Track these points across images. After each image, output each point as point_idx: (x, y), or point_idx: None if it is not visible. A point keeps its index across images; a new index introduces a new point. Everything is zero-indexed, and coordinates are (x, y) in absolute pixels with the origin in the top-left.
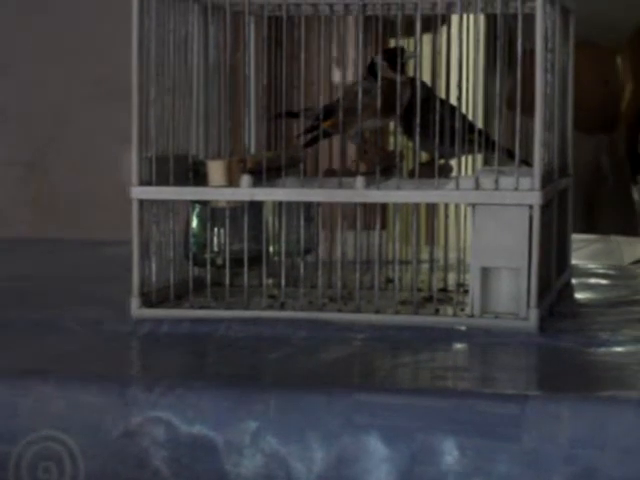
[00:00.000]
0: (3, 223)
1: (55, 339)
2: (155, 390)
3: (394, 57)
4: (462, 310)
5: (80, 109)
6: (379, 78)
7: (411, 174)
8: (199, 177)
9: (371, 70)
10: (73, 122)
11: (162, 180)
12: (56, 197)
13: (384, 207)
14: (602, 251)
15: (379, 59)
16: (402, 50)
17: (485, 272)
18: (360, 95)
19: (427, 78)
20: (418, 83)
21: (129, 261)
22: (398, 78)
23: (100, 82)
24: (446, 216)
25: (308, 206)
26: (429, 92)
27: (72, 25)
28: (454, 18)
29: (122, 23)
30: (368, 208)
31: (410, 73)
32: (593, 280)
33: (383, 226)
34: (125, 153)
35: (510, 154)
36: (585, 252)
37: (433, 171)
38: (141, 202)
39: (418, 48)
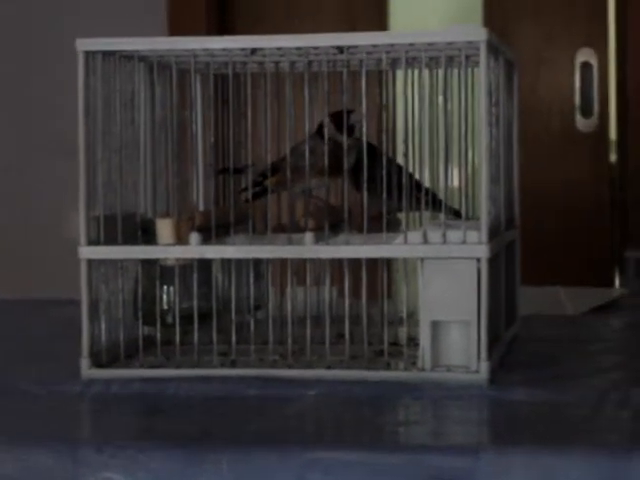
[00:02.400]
0: None
1: (4, 400)
2: (106, 451)
3: (341, 119)
4: (413, 364)
5: (27, 165)
6: (326, 139)
7: (359, 229)
8: (148, 235)
9: (319, 131)
10: (20, 179)
11: (110, 239)
12: (3, 254)
13: (334, 262)
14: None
15: (326, 120)
16: (350, 112)
17: (435, 325)
18: (307, 154)
19: (374, 134)
20: (364, 137)
21: (77, 320)
22: (344, 140)
23: (48, 138)
24: (395, 270)
25: (258, 262)
26: (376, 151)
27: (21, 81)
28: (399, 74)
29: (71, 80)
30: (318, 263)
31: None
32: (542, 331)
33: (333, 281)
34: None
35: (456, 213)
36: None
37: (381, 225)
38: (89, 262)
39: (364, 103)
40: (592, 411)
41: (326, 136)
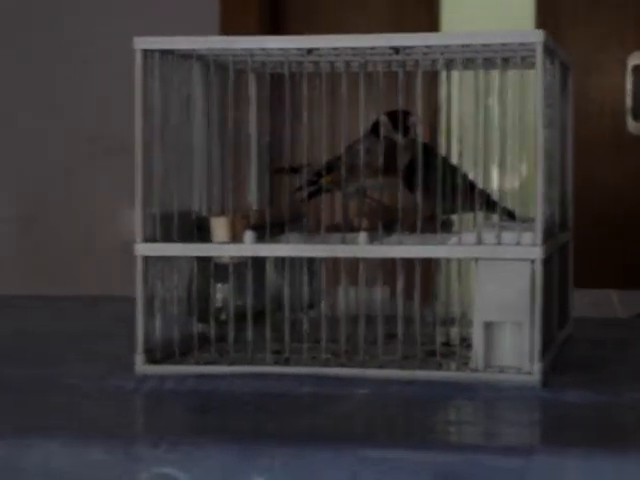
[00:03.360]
0: (1, 279)
1: (59, 396)
2: (161, 447)
3: (398, 118)
4: (465, 364)
5: (79, 164)
6: (381, 137)
7: (412, 229)
8: (203, 233)
9: (375, 129)
10: (72, 177)
11: (166, 237)
12: (53, 253)
13: (387, 262)
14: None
15: (383, 118)
16: (406, 113)
17: (488, 326)
18: (362, 154)
19: (428, 134)
20: (419, 138)
21: (131, 317)
22: (400, 139)
23: (99, 138)
24: (448, 271)
25: (311, 261)
26: (430, 151)
27: (73, 79)
28: (454, 74)
29: (122, 79)
30: (371, 263)
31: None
32: (594, 334)
33: (385, 281)
34: (123, 209)
35: (510, 214)
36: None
37: (435, 227)
38: (145, 258)
39: (419, 104)
40: None
41: (382, 133)
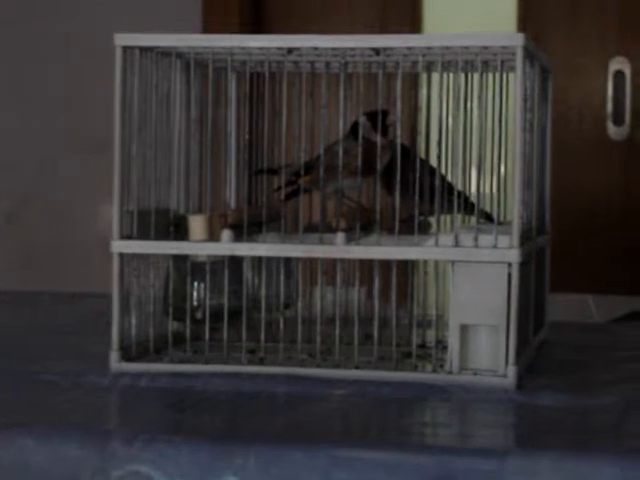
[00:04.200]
0: None
1: (35, 392)
2: (135, 444)
3: (377, 119)
4: (441, 367)
5: (60, 161)
6: (360, 139)
7: (390, 230)
8: (180, 231)
9: (354, 130)
10: (53, 174)
11: (143, 234)
12: (34, 248)
13: (364, 263)
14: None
15: (362, 119)
16: (385, 113)
17: (464, 329)
18: (340, 154)
19: (407, 136)
20: (398, 139)
21: (108, 314)
22: (378, 140)
23: (81, 134)
24: (425, 272)
25: (288, 261)
26: (409, 152)
27: (55, 75)
28: (434, 77)
29: (104, 76)
30: (348, 264)
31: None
32: (570, 338)
33: (362, 282)
34: (103, 205)
35: (488, 217)
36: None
37: (412, 228)
38: (122, 256)
39: (398, 105)
40: (618, 418)
41: (360, 134)
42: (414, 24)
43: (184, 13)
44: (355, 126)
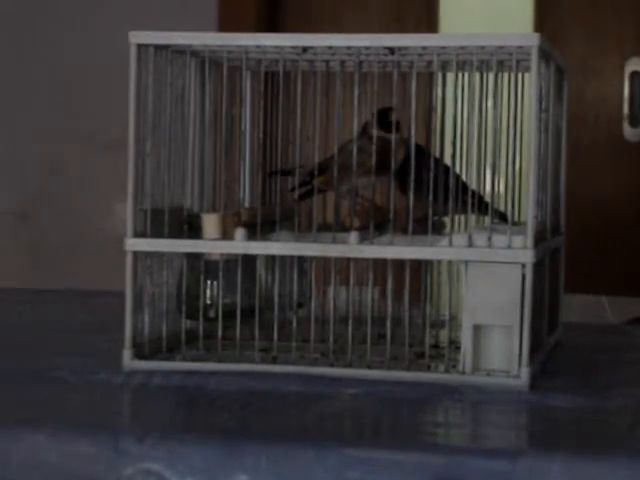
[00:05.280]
0: None
1: (47, 390)
2: (146, 442)
3: (383, 117)
4: (454, 367)
5: (73, 159)
6: (374, 135)
7: (404, 230)
8: (193, 230)
9: (365, 130)
10: (66, 172)
11: (156, 232)
12: (48, 247)
13: (377, 263)
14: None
15: (374, 117)
16: (389, 109)
17: (477, 329)
18: (354, 153)
19: (422, 136)
20: (412, 139)
21: (121, 312)
22: (393, 137)
23: (94, 133)
24: (438, 273)
25: (301, 260)
26: (423, 151)
27: (69, 74)
28: (449, 76)
29: (119, 74)
30: (361, 263)
31: (405, 132)
32: (584, 339)
33: (375, 282)
34: (117, 204)
35: (502, 217)
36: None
37: (426, 228)
38: (135, 254)
39: (413, 105)
40: (632, 419)
41: (375, 134)
42: (430, 23)
43: (200, 12)
44: (365, 127)
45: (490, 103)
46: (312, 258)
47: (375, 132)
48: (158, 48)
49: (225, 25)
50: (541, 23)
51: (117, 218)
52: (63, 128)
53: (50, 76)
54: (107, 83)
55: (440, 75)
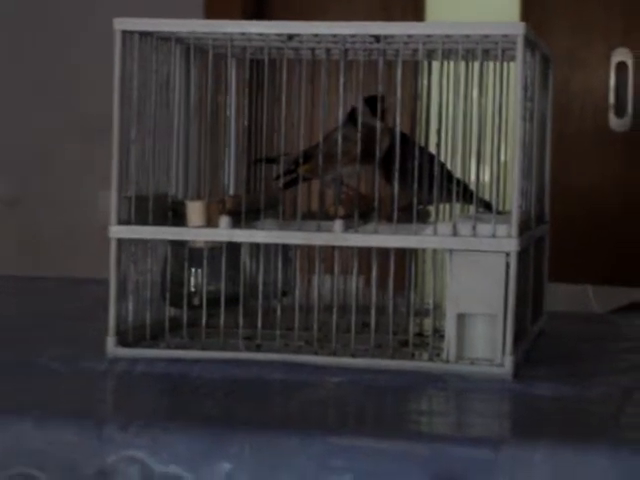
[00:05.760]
0: None
1: (31, 377)
2: (130, 430)
3: (375, 104)
4: (438, 355)
5: (61, 148)
6: (359, 124)
7: (389, 219)
8: (178, 217)
9: (352, 117)
10: (52, 159)
11: (141, 220)
12: (35, 234)
13: (362, 251)
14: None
15: (360, 105)
16: (383, 98)
17: (461, 318)
18: (339, 141)
19: (407, 124)
20: (397, 128)
21: (106, 299)
22: (378, 125)
23: (79, 119)
24: (423, 261)
25: (286, 248)
26: (408, 140)
27: (54, 61)
28: (435, 65)
29: (103, 61)
30: (345, 252)
31: (390, 120)
32: (568, 328)
33: (360, 270)
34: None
35: (487, 205)
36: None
37: (411, 216)
38: (119, 241)
39: (398, 93)
40: (615, 408)
41: (359, 119)
42: (416, 12)
43: (187, 4)
44: (353, 112)
45: (475, 92)
46: (297, 246)
47: (360, 118)
48: (143, 35)
49: (211, 14)
50: (527, 13)
51: (102, 205)
52: (50, 115)
53: (35, 63)
54: (92, 69)
55: (426, 63)
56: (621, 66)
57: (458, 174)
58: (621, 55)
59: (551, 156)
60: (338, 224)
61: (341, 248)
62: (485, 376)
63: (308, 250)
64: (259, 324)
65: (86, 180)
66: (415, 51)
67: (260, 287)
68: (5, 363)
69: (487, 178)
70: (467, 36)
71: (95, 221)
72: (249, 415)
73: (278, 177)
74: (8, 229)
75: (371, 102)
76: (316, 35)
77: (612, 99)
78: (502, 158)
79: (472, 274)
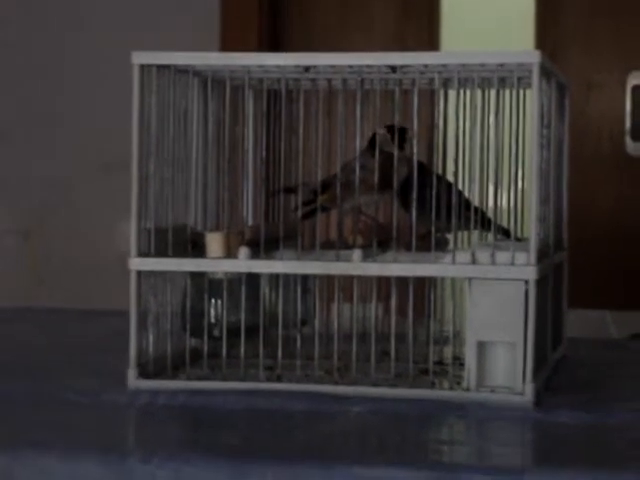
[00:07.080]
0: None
1: (53, 410)
2: (153, 462)
3: (395, 132)
4: (458, 384)
5: (79, 179)
6: (377, 151)
7: (407, 247)
8: (197, 248)
9: (372, 143)
10: (71, 192)
11: (160, 251)
12: (51, 266)
13: (381, 280)
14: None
15: (381, 132)
16: (404, 130)
17: (481, 346)
18: (357, 170)
19: (424, 153)
20: (415, 156)
21: (126, 331)
22: (395, 153)
23: (99, 153)
24: (442, 289)
25: (305, 278)
26: (425, 169)
27: (73, 94)
28: (451, 93)
29: (121, 94)
30: (364, 280)
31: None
32: (588, 354)
33: (379, 299)
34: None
35: (505, 232)
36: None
37: (429, 245)
38: (139, 273)
39: (415, 122)
40: (636, 435)
41: (377, 144)
42: (431, 40)
43: (202, 31)
44: (372, 141)
45: (492, 120)
46: (316, 276)
47: (379, 147)
48: (160, 68)
49: (227, 44)
50: (542, 38)
51: (121, 237)
52: (68, 147)
53: (54, 95)
54: (110, 102)
55: (442, 92)
56: (637, 89)
57: (476, 202)
58: (636, 79)
59: (568, 182)
60: (357, 253)
61: (360, 277)
62: (506, 404)
63: (327, 279)
64: (279, 354)
65: (102, 213)
66: (431, 80)
67: (280, 317)
68: (26, 396)
69: (505, 205)
70: (482, 65)
71: (111, 253)
72: (271, 446)
73: (297, 208)
74: (24, 261)
75: (393, 129)
76: (333, 66)
77: (628, 123)
78: (520, 185)
79: (491, 302)
